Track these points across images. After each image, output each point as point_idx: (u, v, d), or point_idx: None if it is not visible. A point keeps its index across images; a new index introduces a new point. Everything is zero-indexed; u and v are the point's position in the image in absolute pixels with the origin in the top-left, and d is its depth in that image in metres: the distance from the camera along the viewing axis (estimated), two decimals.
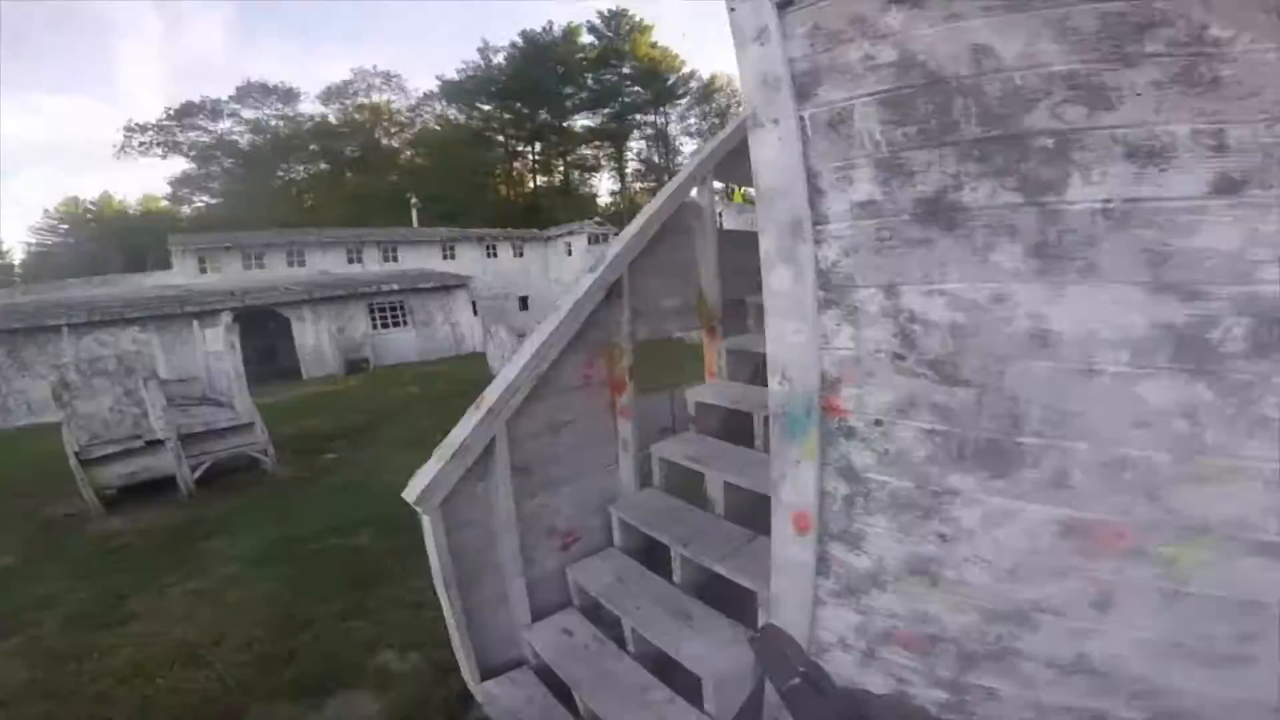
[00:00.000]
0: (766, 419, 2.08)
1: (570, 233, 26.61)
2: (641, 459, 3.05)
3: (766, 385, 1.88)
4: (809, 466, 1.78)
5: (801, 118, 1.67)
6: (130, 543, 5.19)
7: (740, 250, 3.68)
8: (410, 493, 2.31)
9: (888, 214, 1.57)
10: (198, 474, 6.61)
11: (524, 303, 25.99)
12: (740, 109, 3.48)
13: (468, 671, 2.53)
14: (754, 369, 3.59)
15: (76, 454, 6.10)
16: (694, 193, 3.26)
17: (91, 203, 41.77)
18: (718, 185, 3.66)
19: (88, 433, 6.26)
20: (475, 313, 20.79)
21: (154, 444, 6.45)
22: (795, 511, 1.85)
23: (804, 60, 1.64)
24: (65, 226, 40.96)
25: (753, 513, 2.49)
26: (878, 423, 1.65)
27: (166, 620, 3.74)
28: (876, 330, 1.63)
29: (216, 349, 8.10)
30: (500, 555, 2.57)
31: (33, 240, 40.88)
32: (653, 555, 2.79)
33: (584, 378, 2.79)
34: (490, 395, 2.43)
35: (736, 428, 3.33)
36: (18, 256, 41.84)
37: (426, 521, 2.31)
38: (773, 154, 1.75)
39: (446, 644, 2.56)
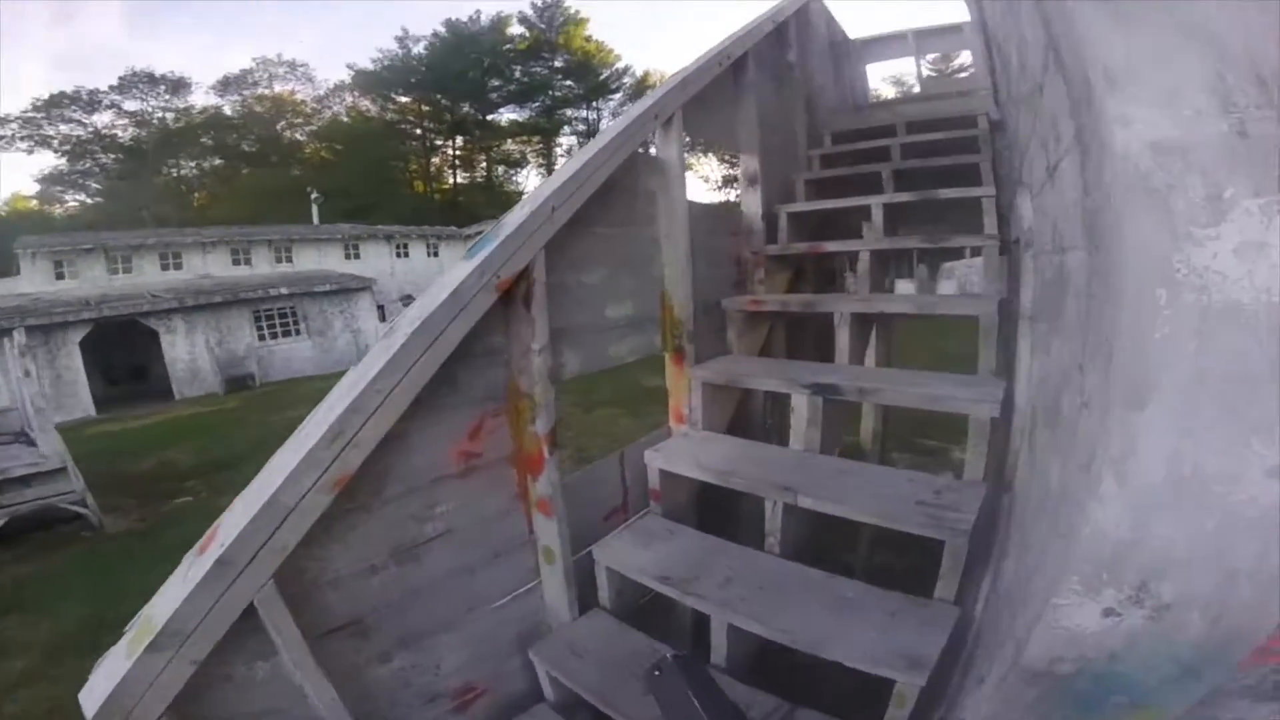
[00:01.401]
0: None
1: None
2: (579, 565, 1.81)
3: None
4: None
5: None
6: None
7: (713, 233, 2.53)
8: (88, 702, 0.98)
9: None
10: None
11: None
12: None
13: None
14: (740, 410, 2.42)
15: None
16: (655, 140, 2.05)
17: None
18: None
19: None
20: (383, 318, 18.66)
21: None
22: None
23: None
24: None
25: (773, 667, 1.49)
26: None
27: None
28: None
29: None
30: None
31: None
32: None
33: (461, 459, 1.49)
34: (230, 525, 1.10)
35: (726, 507, 2.15)
36: None
37: None
38: None
39: None
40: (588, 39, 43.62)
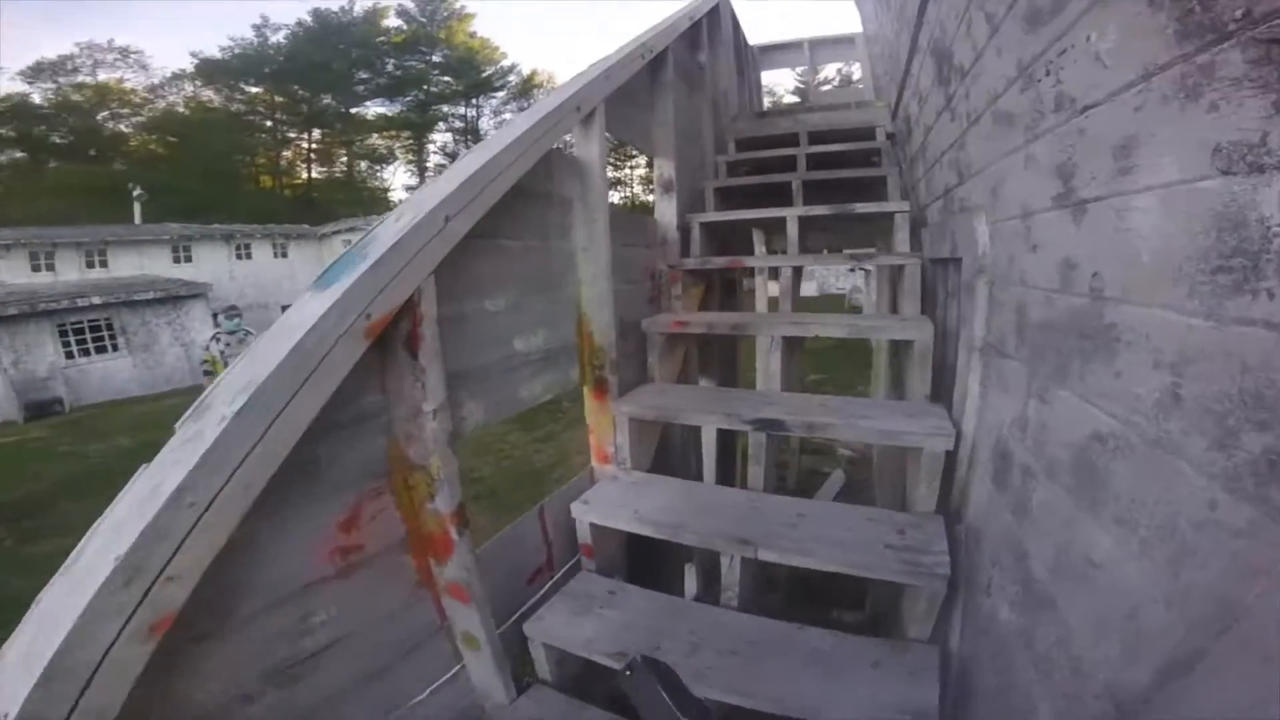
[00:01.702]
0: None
1: (352, 229, 21.63)
2: (507, 638, 1.45)
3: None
4: None
5: None
6: None
7: (629, 245, 2.25)
8: None
9: None
10: None
11: None
12: None
13: None
14: (664, 441, 2.17)
15: None
16: (573, 140, 1.75)
17: None
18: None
19: None
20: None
21: None
22: None
23: None
24: None
25: None
26: None
27: None
28: None
29: None
30: None
31: None
32: None
33: (336, 556, 1.07)
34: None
35: (665, 552, 1.89)
36: None
37: None
38: None
39: None
40: (472, 35, 42.38)
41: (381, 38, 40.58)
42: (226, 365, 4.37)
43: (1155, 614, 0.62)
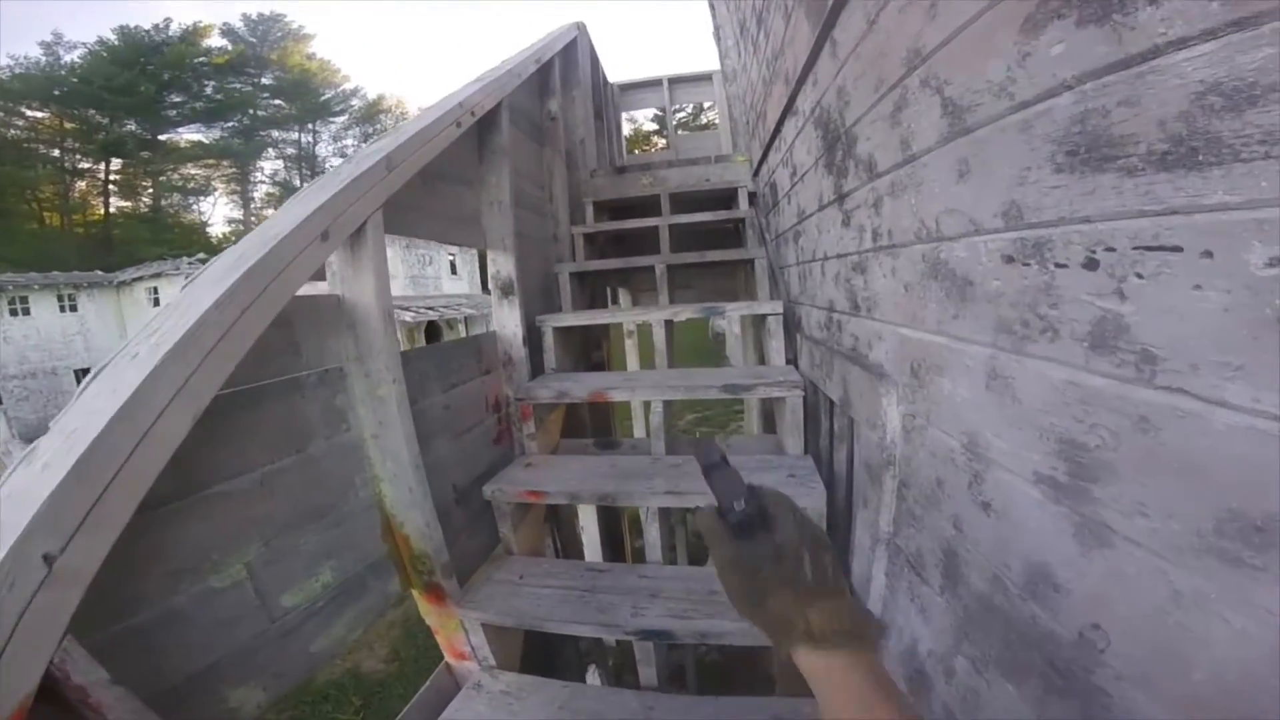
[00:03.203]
0: None
1: (158, 274, 18.14)
2: None
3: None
4: None
5: None
6: None
7: (452, 386, 1.73)
8: None
9: None
10: None
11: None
12: None
13: None
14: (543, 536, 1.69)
15: None
16: (330, 269, 1.23)
17: None
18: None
19: None
20: None
21: None
22: None
23: None
24: None
25: None
26: None
27: None
28: None
29: None
30: None
31: None
32: None
33: None
34: None
35: None
36: None
37: None
38: None
39: None
40: (310, 56, 39.02)
41: (201, 58, 36.70)
42: None
43: None
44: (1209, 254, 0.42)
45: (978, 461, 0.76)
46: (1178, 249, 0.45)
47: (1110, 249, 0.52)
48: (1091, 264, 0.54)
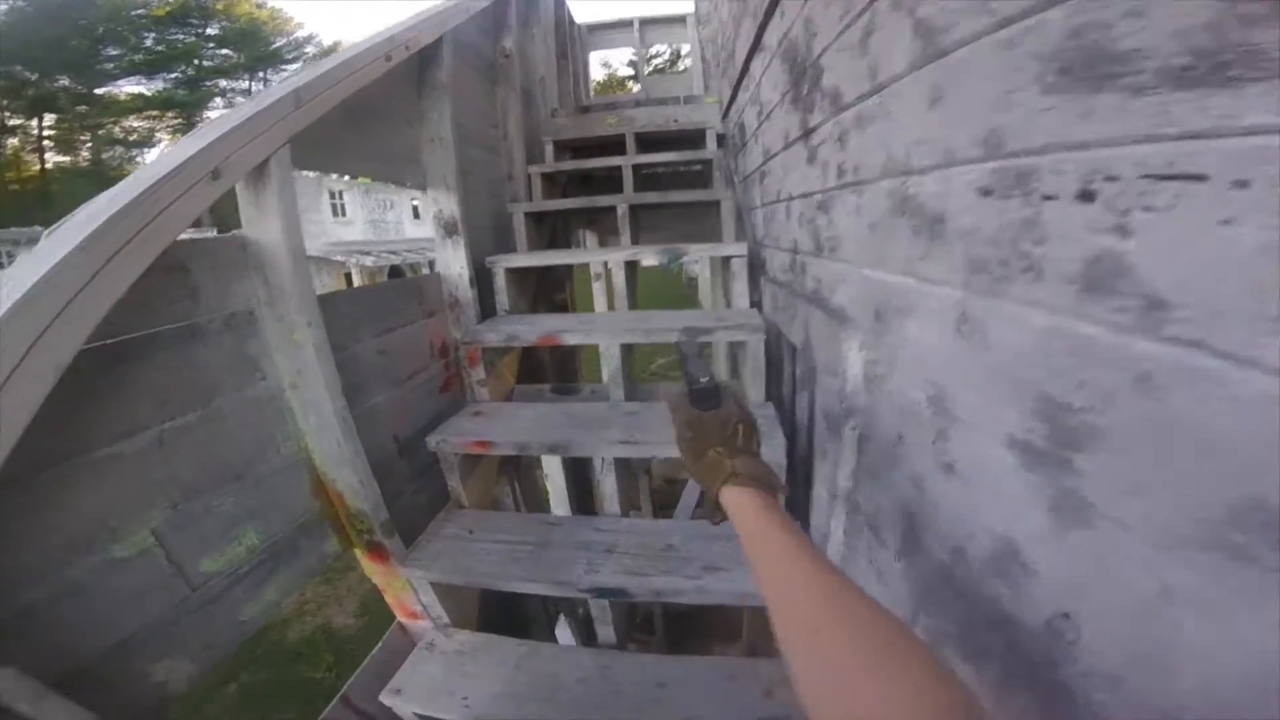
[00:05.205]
0: None
1: (15, 240, 17.69)
2: None
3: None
4: None
5: None
6: None
7: (389, 330, 1.62)
8: None
9: None
10: None
11: None
12: None
13: None
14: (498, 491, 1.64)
15: None
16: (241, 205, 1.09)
17: None
18: None
19: None
20: None
21: None
22: None
23: None
24: None
25: None
26: None
27: None
28: None
29: None
30: None
31: None
32: None
33: None
34: None
35: None
36: None
37: None
38: None
39: None
40: (259, 5, 36.74)
41: (139, 10, 34.43)
42: None
43: None
44: (1242, 183, 0.33)
45: (942, 417, 0.68)
46: (1200, 177, 0.36)
47: (1112, 178, 0.42)
48: (1087, 195, 0.44)
